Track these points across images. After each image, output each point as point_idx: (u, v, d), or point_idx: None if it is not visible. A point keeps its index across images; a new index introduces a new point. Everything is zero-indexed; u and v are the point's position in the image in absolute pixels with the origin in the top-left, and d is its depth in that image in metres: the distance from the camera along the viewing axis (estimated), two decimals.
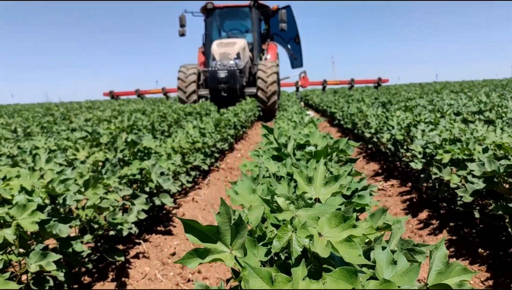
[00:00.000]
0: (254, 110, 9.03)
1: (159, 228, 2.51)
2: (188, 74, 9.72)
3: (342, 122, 7.02)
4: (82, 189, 1.64)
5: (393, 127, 3.58)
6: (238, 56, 9.67)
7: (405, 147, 3.39)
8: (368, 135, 4.50)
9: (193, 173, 3.57)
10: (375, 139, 4.29)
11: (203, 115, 8.05)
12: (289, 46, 13.57)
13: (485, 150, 2.01)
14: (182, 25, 11.21)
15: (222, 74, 9.36)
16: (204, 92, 9.97)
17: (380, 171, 3.98)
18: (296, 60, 13.92)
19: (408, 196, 3.01)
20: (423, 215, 2.56)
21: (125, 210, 2.07)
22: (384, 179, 3.67)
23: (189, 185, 3.31)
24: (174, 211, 2.88)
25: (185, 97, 9.59)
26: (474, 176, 1.95)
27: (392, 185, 3.40)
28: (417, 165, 2.61)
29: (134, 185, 2.27)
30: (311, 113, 12.21)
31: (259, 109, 9.58)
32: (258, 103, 9.63)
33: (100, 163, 2.20)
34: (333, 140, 1.58)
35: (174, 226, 2.59)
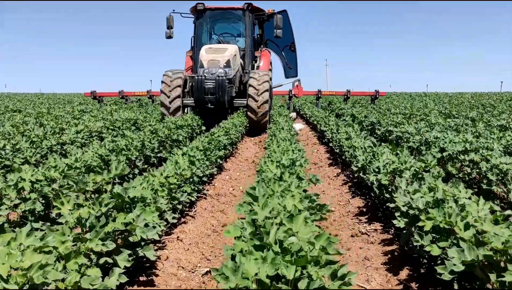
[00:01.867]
0: (245, 122, 9.02)
1: (141, 278, 2.51)
2: (174, 79, 9.12)
3: (331, 144, 7.04)
4: (62, 263, 1.64)
5: (379, 170, 3.61)
6: (228, 64, 9.07)
7: (390, 190, 3.43)
8: (355, 169, 4.54)
9: (179, 206, 3.58)
10: (361, 174, 4.33)
11: (195, 129, 8.06)
12: (283, 54, 13.06)
13: (466, 227, 2.05)
14: (170, 27, 10.48)
15: (210, 84, 8.79)
16: (189, 101, 9.45)
17: (364, 209, 4.01)
18: (290, 69, 13.32)
19: (391, 247, 3.04)
20: (403, 274, 2.59)
21: (105, 270, 2.07)
22: (368, 220, 3.71)
23: (175, 220, 3.31)
24: (158, 253, 2.88)
25: (168, 102, 9.00)
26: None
27: (375, 230, 3.43)
28: (399, 223, 2.64)
29: (118, 240, 2.27)
30: (301, 125, 12.23)
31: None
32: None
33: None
34: (316, 238, 1.59)
35: (157, 275, 2.59)
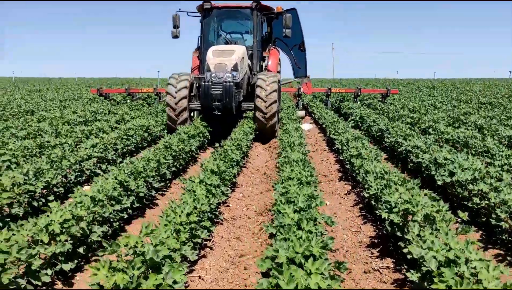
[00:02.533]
0: (254, 127, 9.10)
1: None
2: (179, 88, 8.82)
3: (341, 156, 7.14)
4: None
5: (391, 208, 3.73)
6: (235, 68, 8.79)
7: (402, 228, 3.56)
8: (366, 195, 4.66)
9: (199, 240, 3.73)
10: (373, 202, 4.46)
11: (206, 136, 8.19)
12: (292, 53, 12.82)
13: None
14: (176, 26, 10.17)
15: (217, 91, 8.54)
16: (196, 105, 9.22)
17: (376, 240, 4.15)
18: (299, 69, 13.05)
19: None
20: None
21: None
22: (380, 254, 3.84)
23: (196, 257, 3.47)
24: None
25: (175, 115, 8.81)
26: None
27: (388, 267, 3.58)
28: (412, 276, 2.79)
29: None
30: (309, 125, 12.29)
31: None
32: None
33: None
34: None
35: None
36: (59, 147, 6.55)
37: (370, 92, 16.09)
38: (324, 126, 10.50)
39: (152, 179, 5.32)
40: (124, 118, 10.29)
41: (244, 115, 10.52)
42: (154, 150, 6.37)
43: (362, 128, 10.67)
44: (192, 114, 9.47)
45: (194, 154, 7.60)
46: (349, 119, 12.18)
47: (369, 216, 4.81)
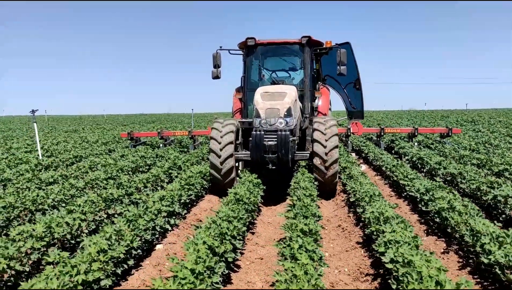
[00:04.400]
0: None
1: None
2: (225, 133, 7.96)
3: (424, 207, 6.59)
4: None
5: None
6: (289, 113, 7.78)
7: None
8: (486, 261, 4.13)
9: None
10: (498, 271, 3.93)
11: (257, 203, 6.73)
12: (345, 92, 11.41)
13: None
14: (217, 66, 9.22)
15: (271, 141, 7.52)
16: (243, 154, 8.29)
17: None
18: (355, 110, 11.52)
19: None
20: None
21: None
22: None
23: None
24: None
25: (219, 163, 7.81)
26: None
27: None
28: None
29: None
30: (363, 166, 11.76)
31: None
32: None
33: None
34: None
35: None
36: (123, 198, 6.24)
37: (429, 131, 14.82)
38: (384, 168, 9.99)
39: (234, 239, 4.92)
40: (176, 163, 10.01)
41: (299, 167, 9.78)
42: (227, 203, 6.01)
43: (422, 170, 10.11)
44: (237, 164, 8.57)
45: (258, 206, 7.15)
46: (404, 158, 11.64)
47: (487, 284, 4.25)
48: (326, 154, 7.78)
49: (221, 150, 7.81)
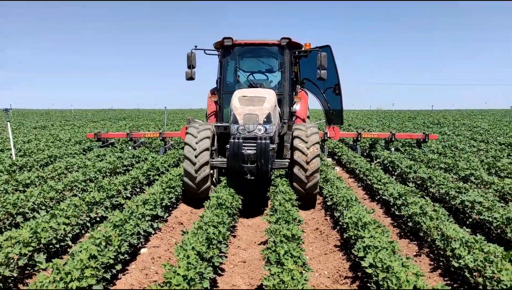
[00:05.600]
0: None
1: None
2: (200, 138, 7.52)
3: (397, 211, 6.94)
4: None
5: None
6: (268, 119, 7.30)
7: None
8: (456, 265, 4.45)
9: None
10: (467, 274, 4.24)
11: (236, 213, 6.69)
12: (325, 97, 10.99)
13: None
14: (191, 66, 8.74)
15: (250, 149, 7.06)
16: (218, 162, 7.92)
17: None
18: (334, 116, 11.23)
19: None
20: None
21: None
22: None
23: None
24: None
25: (194, 171, 7.39)
26: None
27: None
28: None
29: None
30: (336, 168, 12.03)
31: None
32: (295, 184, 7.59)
33: None
34: None
35: None
36: (104, 201, 6.30)
37: (406, 137, 14.57)
38: (357, 171, 10.34)
39: (220, 244, 5.08)
40: (155, 165, 10.05)
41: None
42: (210, 207, 6.16)
43: (393, 173, 10.50)
44: (212, 172, 8.17)
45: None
46: (375, 161, 12.04)
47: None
48: (307, 162, 7.42)
49: (196, 156, 7.38)
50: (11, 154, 11.12)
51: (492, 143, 15.57)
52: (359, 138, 13.89)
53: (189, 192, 7.73)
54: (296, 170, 7.49)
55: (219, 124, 8.58)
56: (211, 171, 7.89)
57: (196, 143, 7.47)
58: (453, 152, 13.02)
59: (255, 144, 7.06)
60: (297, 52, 9.07)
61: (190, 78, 8.83)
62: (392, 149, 13.50)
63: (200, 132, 7.60)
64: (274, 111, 7.65)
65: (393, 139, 13.48)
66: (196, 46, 8.74)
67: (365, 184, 9.46)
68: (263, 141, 7.06)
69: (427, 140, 13.40)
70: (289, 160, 8.04)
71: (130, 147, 13.58)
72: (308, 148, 7.47)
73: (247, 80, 9.17)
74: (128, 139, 13.98)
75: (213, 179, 8.24)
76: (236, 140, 7.09)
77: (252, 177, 7.16)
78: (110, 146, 14.27)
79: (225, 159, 7.52)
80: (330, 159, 12.83)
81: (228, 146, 7.23)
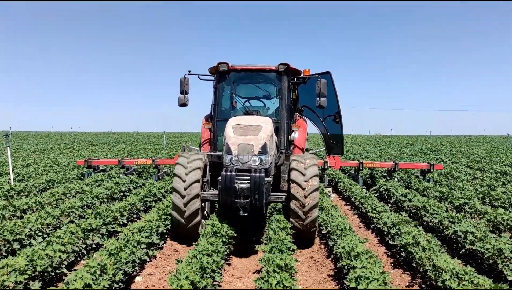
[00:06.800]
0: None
1: None
2: (191, 169, 7.05)
3: (386, 236, 7.01)
4: None
5: None
6: (264, 150, 6.85)
7: None
8: None
9: None
10: None
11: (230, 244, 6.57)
12: (324, 125, 10.46)
13: None
14: (184, 92, 8.33)
15: (243, 182, 6.60)
16: (210, 194, 7.41)
17: None
18: (334, 145, 10.63)
19: None
20: None
21: None
22: None
23: None
24: None
25: (183, 204, 6.89)
26: None
27: None
28: None
29: None
30: (332, 195, 11.99)
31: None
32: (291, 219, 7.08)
33: None
34: None
35: None
36: (100, 228, 6.36)
37: (410, 167, 13.67)
38: (353, 199, 10.43)
39: (214, 273, 5.14)
40: (152, 191, 10.14)
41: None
42: (205, 235, 6.23)
43: (389, 201, 10.57)
44: (204, 204, 7.72)
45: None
46: (371, 189, 12.10)
47: None
48: (305, 197, 6.90)
49: (185, 189, 6.89)
50: (9, 179, 11.22)
51: (488, 171, 15.68)
52: (361, 168, 13.04)
53: (178, 227, 7.15)
54: (293, 204, 6.98)
55: (212, 153, 8.21)
56: (203, 204, 7.47)
57: (186, 174, 7.00)
58: (448, 180, 13.11)
59: (249, 177, 6.60)
60: (295, 78, 8.75)
61: (183, 104, 8.41)
62: (396, 179, 13.05)
63: (191, 162, 7.15)
64: (270, 140, 7.21)
65: (396, 168, 12.85)
66: (189, 71, 8.39)
67: (360, 212, 9.53)
68: (258, 175, 6.60)
69: (432, 170, 12.74)
70: (286, 194, 7.46)
71: (121, 175, 13.05)
72: (306, 181, 6.97)
73: (242, 107, 8.84)
74: (120, 166, 13.38)
75: (205, 212, 7.79)
76: (229, 173, 6.63)
77: (245, 214, 6.66)
78: (102, 172, 13.65)
79: (217, 192, 7.01)
80: (330, 189, 12.15)
81: (219, 178, 6.75)
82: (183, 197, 6.88)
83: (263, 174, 6.64)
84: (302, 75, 8.82)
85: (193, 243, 6.83)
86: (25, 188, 10.30)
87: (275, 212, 7.85)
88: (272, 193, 7.33)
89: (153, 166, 13.28)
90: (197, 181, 6.98)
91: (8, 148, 10.90)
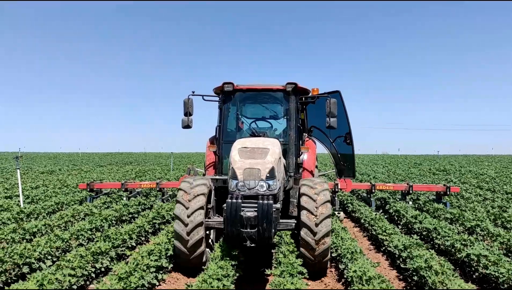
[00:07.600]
0: None
1: None
2: (194, 196, 6.57)
3: (397, 259, 6.92)
4: None
5: None
6: (271, 175, 6.34)
7: None
8: None
9: None
10: None
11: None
12: (334, 146, 10.03)
13: None
14: (188, 113, 7.97)
15: (249, 211, 5.99)
16: (215, 222, 6.85)
17: None
18: (345, 167, 10.15)
19: None
20: None
21: None
22: None
23: None
24: None
25: (186, 233, 6.39)
26: None
27: None
28: None
29: None
30: (341, 213, 11.69)
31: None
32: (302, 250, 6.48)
33: None
34: None
35: None
36: (109, 251, 6.34)
37: (425, 189, 12.95)
38: (362, 220, 10.33)
39: None
40: (160, 213, 10.12)
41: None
42: (215, 258, 6.18)
43: (399, 223, 10.46)
44: (208, 232, 7.21)
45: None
46: (381, 210, 11.99)
47: None
48: (316, 225, 6.36)
49: (188, 216, 6.42)
50: (19, 201, 11.27)
51: (498, 192, 15.50)
52: (373, 190, 12.37)
53: (180, 258, 6.65)
54: (303, 233, 6.41)
55: (217, 177, 7.73)
56: (207, 232, 7.00)
57: (189, 200, 6.54)
58: (459, 201, 12.97)
59: (256, 205, 6.02)
60: (304, 98, 8.32)
61: (187, 126, 8.01)
62: (410, 202, 12.59)
63: (194, 187, 6.67)
64: (278, 164, 6.73)
65: (411, 191, 12.23)
66: (193, 92, 8.02)
67: (370, 234, 9.43)
68: (266, 202, 6.00)
69: (448, 193, 11.98)
70: (295, 221, 6.95)
71: (124, 198, 12.77)
72: (317, 208, 6.46)
73: (249, 128, 8.44)
74: (123, 190, 12.94)
75: (210, 241, 7.28)
76: (234, 201, 6.05)
77: (253, 245, 6.04)
78: (105, 195, 13.23)
79: (223, 219, 6.47)
80: (342, 214, 11.24)
81: (224, 205, 6.19)
82: (186, 225, 6.39)
83: (271, 201, 6.07)
84: (310, 94, 8.39)
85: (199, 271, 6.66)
86: (35, 210, 10.33)
87: (283, 234, 7.78)
88: (281, 221, 6.80)
89: (157, 189, 12.88)
90: (201, 207, 6.51)
91: (18, 170, 10.99)
